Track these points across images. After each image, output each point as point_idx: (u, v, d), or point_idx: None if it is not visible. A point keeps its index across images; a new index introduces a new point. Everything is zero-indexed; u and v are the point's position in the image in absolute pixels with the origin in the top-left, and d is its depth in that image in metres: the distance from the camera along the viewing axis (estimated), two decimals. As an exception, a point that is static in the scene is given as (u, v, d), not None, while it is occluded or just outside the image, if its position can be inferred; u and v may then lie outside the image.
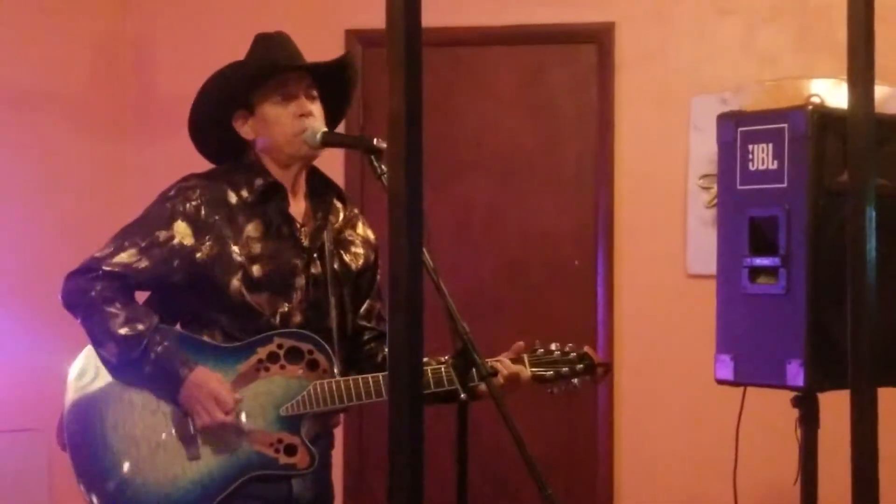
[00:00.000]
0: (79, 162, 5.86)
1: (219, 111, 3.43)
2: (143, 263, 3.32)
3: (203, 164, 3.54)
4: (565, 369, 3.45)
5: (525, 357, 3.43)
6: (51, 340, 5.22)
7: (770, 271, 3.50)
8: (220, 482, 3.30)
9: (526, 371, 3.41)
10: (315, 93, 3.44)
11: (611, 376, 5.57)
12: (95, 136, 5.93)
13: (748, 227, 3.55)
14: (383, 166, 3.11)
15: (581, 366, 3.47)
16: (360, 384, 3.31)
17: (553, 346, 3.47)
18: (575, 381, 3.47)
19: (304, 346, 3.35)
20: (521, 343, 3.44)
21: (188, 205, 3.36)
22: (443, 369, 3.28)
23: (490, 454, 5.18)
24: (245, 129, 3.43)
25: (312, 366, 3.35)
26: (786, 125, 3.47)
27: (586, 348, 3.51)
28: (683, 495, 5.58)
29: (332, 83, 3.51)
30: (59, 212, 5.75)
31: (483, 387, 3.05)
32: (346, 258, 3.52)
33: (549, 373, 3.44)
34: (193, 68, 5.75)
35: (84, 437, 3.32)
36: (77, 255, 3.49)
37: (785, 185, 3.47)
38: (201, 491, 3.30)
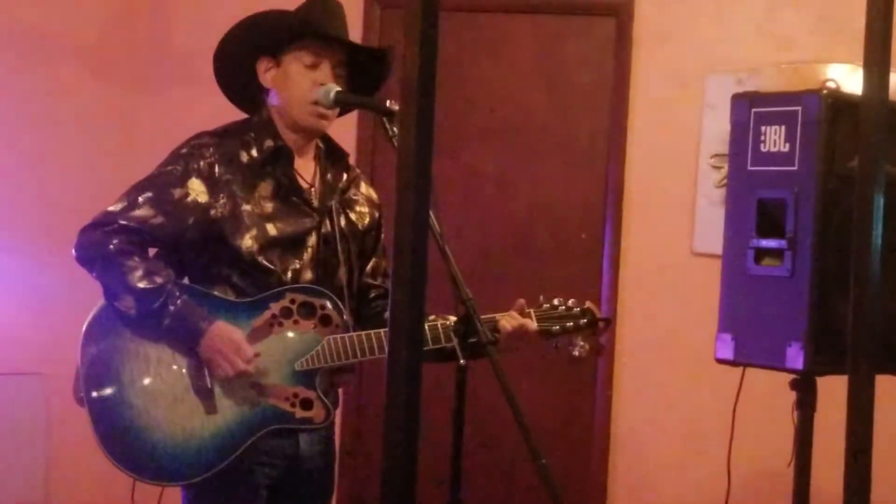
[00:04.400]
0: (91, 109, 5.86)
1: (245, 51, 3.45)
2: (159, 220, 3.33)
3: (216, 118, 3.55)
4: (569, 324, 3.48)
5: (532, 312, 3.45)
6: (53, 284, 5.26)
7: (776, 253, 3.51)
8: (238, 436, 3.33)
9: (533, 324, 3.43)
10: (343, 72, 3.45)
11: (611, 350, 5.59)
12: (109, 84, 5.93)
13: (756, 208, 3.55)
14: (395, 128, 3.12)
15: (584, 320, 3.50)
16: (374, 338, 3.34)
17: (556, 301, 3.50)
18: (578, 338, 3.50)
19: (317, 302, 3.37)
20: (522, 300, 3.46)
21: (202, 162, 3.37)
22: (439, 325, 3.29)
23: (487, 422, 5.20)
24: (265, 77, 3.45)
25: (325, 321, 3.37)
26: (799, 108, 3.46)
27: (588, 303, 3.54)
28: (677, 472, 5.60)
29: (363, 67, 3.52)
30: (70, 158, 5.75)
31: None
32: (353, 217, 3.56)
33: (554, 327, 3.47)
34: (208, 20, 5.76)
35: (101, 392, 3.33)
36: (85, 202, 3.50)
37: (795, 167, 3.47)
38: (219, 444, 3.32)
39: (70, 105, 5.77)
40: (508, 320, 3.40)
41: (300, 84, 3.40)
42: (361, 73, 3.53)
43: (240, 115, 3.58)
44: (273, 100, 3.46)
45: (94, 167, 5.73)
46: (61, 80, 5.74)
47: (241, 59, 3.47)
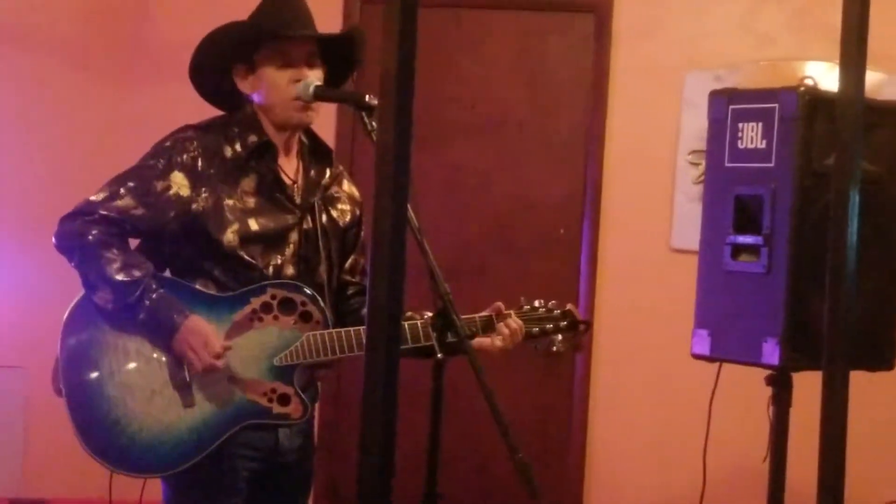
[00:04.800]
0: (71, 103, 5.85)
1: (219, 63, 3.44)
2: (140, 211, 3.33)
3: (197, 112, 3.54)
4: (550, 326, 3.48)
5: (512, 313, 3.45)
6: (34, 278, 5.24)
7: (752, 249, 3.53)
8: (215, 430, 3.33)
9: (522, 327, 3.42)
10: (318, 60, 3.44)
11: (589, 345, 5.60)
12: (89, 78, 5.91)
13: (733, 204, 3.57)
14: (374, 123, 3.12)
15: (564, 323, 3.50)
16: (353, 336, 3.34)
17: (537, 303, 3.50)
18: (558, 337, 3.50)
19: (298, 298, 3.37)
20: (499, 304, 3.45)
21: (185, 156, 3.37)
22: (419, 325, 3.30)
23: (464, 415, 5.21)
24: (243, 84, 3.44)
25: (306, 317, 3.38)
26: (776, 105, 3.48)
27: (569, 306, 3.54)
28: (654, 467, 5.62)
29: (337, 50, 3.52)
30: (51, 152, 5.74)
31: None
32: (334, 214, 3.56)
33: (535, 329, 3.47)
34: (192, 13, 5.77)
35: (79, 383, 3.33)
36: (66, 196, 3.49)
37: (772, 164, 3.49)
38: (196, 438, 3.33)
39: (50, 99, 5.75)
40: (505, 329, 3.39)
41: (278, 84, 3.39)
42: (338, 60, 3.53)
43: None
44: (256, 99, 3.45)
45: (74, 161, 5.71)
46: (41, 74, 5.73)
47: (215, 72, 3.46)
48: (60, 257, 3.36)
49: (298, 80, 3.37)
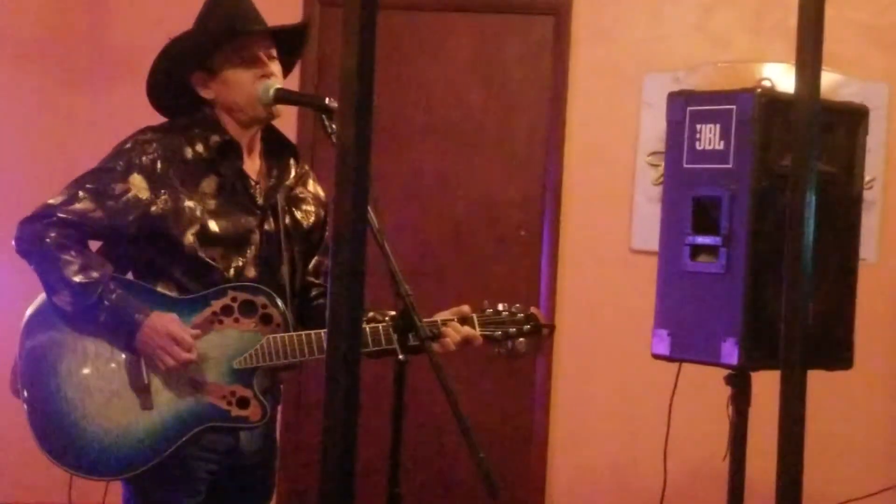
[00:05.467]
0: (29, 106, 5.82)
1: (178, 73, 3.42)
2: (98, 214, 3.32)
3: (157, 114, 3.53)
4: (512, 329, 3.47)
5: (474, 318, 3.44)
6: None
7: (711, 250, 3.55)
8: (173, 433, 3.32)
9: (477, 335, 3.42)
10: (274, 52, 3.44)
11: (550, 346, 5.62)
12: (46, 80, 5.89)
13: (692, 205, 3.59)
14: (334, 126, 3.12)
15: (528, 326, 3.49)
16: (314, 339, 3.33)
17: (500, 307, 3.48)
18: (521, 340, 3.49)
19: (258, 300, 3.36)
20: (466, 307, 3.45)
21: (144, 158, 3.35)
22: (380, 328, 3.30)
23: (426, 416, 5.22)
24: (205, 90, 3.42)
25: (266, 320, 3.36)
26: (734, 107, 3.50)
27: (532, 309, 3.53)
28: (615, 467, 5.64)
29: (286, 40, 3.52)
30: (10, 155, 5.71)
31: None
32: (298, 215, 3.54)
33: (497, 333, 3.46)
34: (147, 15, 5.75)
35: (38, 385, 3.32)
36: (25, 199, 3.48)
37: (730, 166, 3.51)
38: (154, 441, 3.31)
39: (7, 102, 5.72)
40: (452, 334, 3.38)
41: (244, 84, 3.37)
42: (286, 53, 3.53)
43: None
44: (220, 101, 3.43)
45: (33, 164, 5.69)
46: (-1, 77, 5.70)
47: (174, 85, 3.45)
48: (20, 259, 3.35)
49: (264, 76, 3.36)
